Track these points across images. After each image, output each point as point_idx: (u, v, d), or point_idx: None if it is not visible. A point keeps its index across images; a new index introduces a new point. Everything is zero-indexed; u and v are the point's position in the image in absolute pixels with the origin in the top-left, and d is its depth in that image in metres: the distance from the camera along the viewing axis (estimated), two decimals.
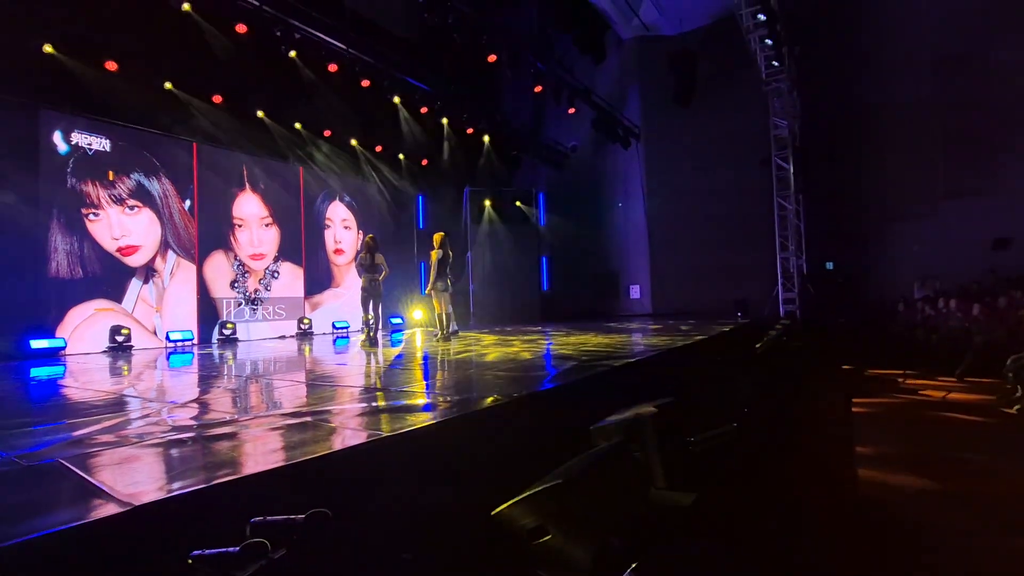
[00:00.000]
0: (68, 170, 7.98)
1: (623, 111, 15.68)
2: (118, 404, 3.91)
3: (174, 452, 2.40)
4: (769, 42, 9.62)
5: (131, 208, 8.69)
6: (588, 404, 3.76)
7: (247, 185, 10.52)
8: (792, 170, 12.05)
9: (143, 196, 8.87)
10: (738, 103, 14.44)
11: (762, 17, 9.07)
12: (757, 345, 7.81)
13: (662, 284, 16.11)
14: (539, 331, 10.03)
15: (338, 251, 12.24)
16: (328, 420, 2.95)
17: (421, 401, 3.39)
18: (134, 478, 2.05)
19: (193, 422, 3.01)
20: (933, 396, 6.61)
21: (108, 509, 1.59)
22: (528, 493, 2.09)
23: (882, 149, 13.67)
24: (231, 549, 1.22)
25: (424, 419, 2.72)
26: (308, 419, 2.97)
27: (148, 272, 8.89)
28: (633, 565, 1.91)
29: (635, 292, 16.67)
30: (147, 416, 3.31)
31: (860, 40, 13.68)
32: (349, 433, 2.61)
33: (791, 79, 12.10)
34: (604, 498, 2.08)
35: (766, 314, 11.99)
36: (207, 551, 1.24)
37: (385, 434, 2.40)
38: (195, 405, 3.71)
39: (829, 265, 14.49)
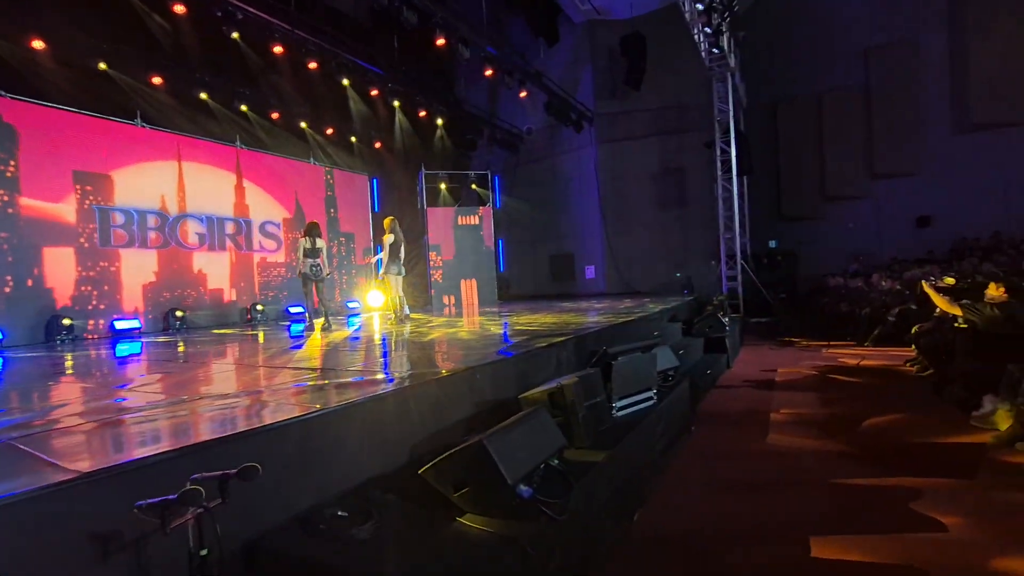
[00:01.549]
0: None
1: (576, 94, 15.91)
2: (62, 390, 3.97)
3: (119, 429, 2.56)
4: (708, 30, 9.99)
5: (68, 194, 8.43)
6: (522, 376, 4.06)
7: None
8: (735, 153, 12.59)
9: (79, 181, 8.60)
10: (686, 86, 14.93)
11: (700, 7, 9.42)
12: (695, 320, 8.33)
13: (616, 264, 16.63)
14: (494, 312, 10.30)
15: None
16: (266, 398, 3.13)
17: (357, 379, 3.60)
18: (82, 451, 2.21)
19: (136, 403, 3.14)
20: (848, 363, 7.24)
21: (58, 476, 1.76)
22: (450, 452, 2.36)
23: (820, 132, 14.42)
24: (170, 497, 1.44)
25: (358, 394, 2.94)
26: (247, 398, 3.15)
27: (91, 258, 8.68)
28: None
29: (590, 272, 17.14)
30: (92, 399, 3.40)
31: (798, 28, 14.35)
32: (285, 407, 2.81)
33: (733, 66, 12.57)
34: (517, 454, 2.37)
35: (709, 292, 12.63)
36: (149, 500, 1.45)
37: (319, 408, 2.61)
38: (139, 389, 3.82)
39: (773, 243, 15.33)
